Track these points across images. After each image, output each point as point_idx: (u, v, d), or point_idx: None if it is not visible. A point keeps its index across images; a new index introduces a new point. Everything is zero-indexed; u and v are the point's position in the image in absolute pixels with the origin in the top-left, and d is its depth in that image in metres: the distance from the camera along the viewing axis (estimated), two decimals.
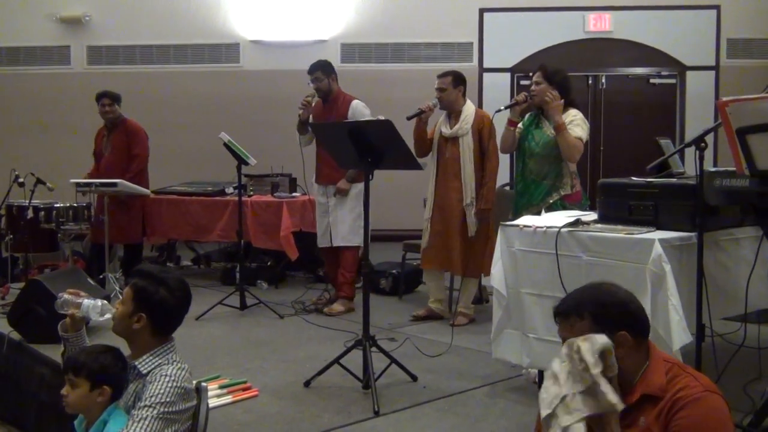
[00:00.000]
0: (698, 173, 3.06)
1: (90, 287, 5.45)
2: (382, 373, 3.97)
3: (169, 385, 2.19)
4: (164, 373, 2.22)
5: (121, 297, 2.41)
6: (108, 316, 2.39)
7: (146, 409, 2.13)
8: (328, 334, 5.12)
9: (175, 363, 2.29)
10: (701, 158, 3.04)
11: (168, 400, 2.16)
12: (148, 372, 2.26)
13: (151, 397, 2.16)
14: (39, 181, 6.55)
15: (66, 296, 2.46)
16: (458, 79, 5.37)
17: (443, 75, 5.40)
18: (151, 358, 2.29)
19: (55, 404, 2.44)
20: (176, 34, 9.38)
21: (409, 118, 5.25)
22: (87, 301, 2.45)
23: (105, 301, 2.47)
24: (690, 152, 3.10)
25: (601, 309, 2.03)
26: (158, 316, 2.32)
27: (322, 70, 5.75)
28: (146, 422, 2.11)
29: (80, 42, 9.49)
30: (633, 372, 2.02)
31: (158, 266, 2.68)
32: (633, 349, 2.02)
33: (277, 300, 6.09)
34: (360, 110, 5.67)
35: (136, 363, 2.29)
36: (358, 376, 3.96)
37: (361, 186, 5.68)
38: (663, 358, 2.07)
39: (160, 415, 2.13)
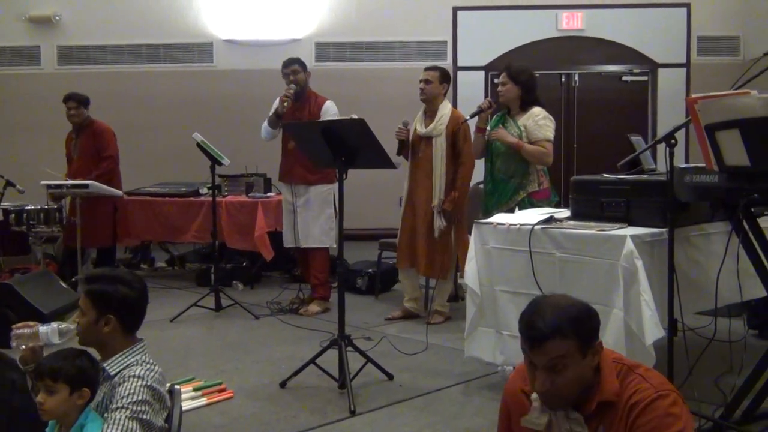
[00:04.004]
0: (668, 170, 3.09)
1: (62, 290, 5.39)
2: (357, 373, 3.96)
3: (139, 384, 2.18)
4: (133, 374, 2.20)
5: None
6: (70, 334, 2.35)
7: (119, 410, 2.12)
8: (303, 334, 5.11)
9: (144, 364, 2.27)
10: (671, 155, 3.08)
11: (139, 399, 2.15)
12: (116, 373, 2.24)
13: (122, 398, 2.15)
14: (9, 184, 6.45)
15: (17, 332, 2.35)
16: (445, 76, 5.41)
17: (431, 68, 5.42)
18: (120, 358, 2.28)
19: (27, 409, 2.40)
20: (148, 33, 9.30)
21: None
22: (43, 328, 2.35)
23: (60, 323, 2.39)
24: (662, 149, 3.12)
25: (579, 324, 1.92)
26: (124, 312, 2.31)
27: (299, 63, 5.76)
28: (121, 424, 2.09)
29: (50, 42, 9.38)
30: (593, 378, 1.96)
31: (106, 267, 2.65)
32: (599, 354, 1.98)
33: (252, 301, 6.06)
34: (333, 112, 5.67)
35: (105, 365, 2.28)
36: (334, 375, 3.95)
37: (330, 187, 5.69)
38: (612, 358, 2.01)
39: (134, 415, 2.12)
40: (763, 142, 2.73)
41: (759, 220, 3.33)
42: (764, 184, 2.82)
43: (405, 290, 5.67)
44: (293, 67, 5.70)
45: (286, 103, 5.59)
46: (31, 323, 2.38)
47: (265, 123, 5.77)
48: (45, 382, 2.19)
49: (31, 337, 2.34)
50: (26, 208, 6.55)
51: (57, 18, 9.30)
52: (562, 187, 6.03)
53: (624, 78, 9.27)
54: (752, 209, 3.23)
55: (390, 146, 5.21)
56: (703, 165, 3.00)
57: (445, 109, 5.36)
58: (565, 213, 3.82)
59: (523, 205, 4.58)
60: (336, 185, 5.63)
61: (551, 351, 1.89)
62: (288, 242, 5.95)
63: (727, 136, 2.82)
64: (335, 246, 5.62)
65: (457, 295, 5.87)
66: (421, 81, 5.36)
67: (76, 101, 6.54)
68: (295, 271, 7.03)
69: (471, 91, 8.82)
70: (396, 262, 5.73)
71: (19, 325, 2.38)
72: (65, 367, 2.19)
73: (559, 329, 1.88)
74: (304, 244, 5.81)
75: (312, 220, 5.76)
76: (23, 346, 2.35)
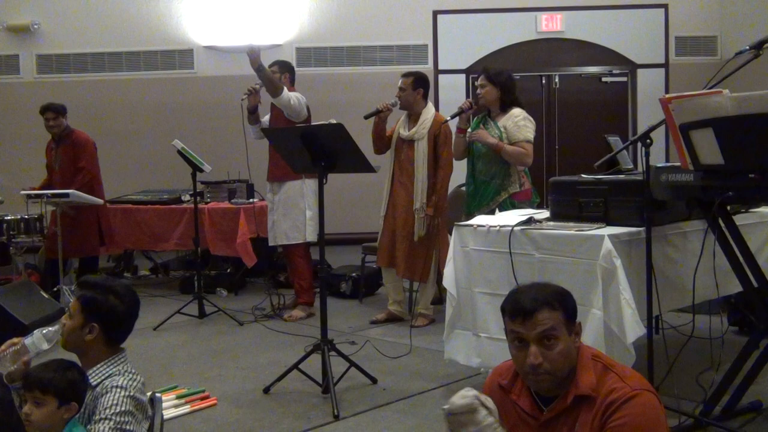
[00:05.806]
0: (645, 169, 3.12)
1: (43, 300, 5.35)
2: (341, 377, 3.97)
3: (122, 394, 2.17)
4: (115, 384, 2.19)
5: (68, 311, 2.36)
6: (57, 336, 2.33)
7: (103, 422, 2.11)
8: (288, 339, 5.10)
9: (126, 374, 2.26)
10: (647, 154, 3.11)
11: (122, 410, 2.14)
12: (98, 383, 2.23)
13: (106, 409, 2.13)
14: None
15: (5, 353, 2.25)
16: (418, 81, 5.40)
17: (406, 75, 5.45)
18: (102, 368, 2.27)
19: (9, 422, 2.38)
20: (128, 40, 9.24)
21: (366, 117, 5.29)
22: (28, 340, 2.27)
23: (43, 328, 2.33)
24: (641, 148, 3.15)
25: (562, 297, 2.03)
26: (110, 324, 2.31)
27: (278, 64, 5.83)
28: None
29: (29, 50, 9.29)
30: (569, 367, 1.98)
31: (103, 276, 2.63)
32: (579, 336, 2.02)
33: (236, 307, 6.05)
34: (292, 94, 5.62)
35: (86, 374, 2.26)
36: (318, 380, 3.96)
37: (301, 182, 5.69)
38: (591, 354, 2.04)
39: (118, 426, 2.11)
40: (736, 141, 2.77)
41: (735, 217, 3.37)
42: (738, 182, 2.86)
43: (389, 293, 5.68)
44: (272, 68, 5.75)
45: (243, 98, 5.66)
46: (15, 340, 2.29)
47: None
48: (33, 394, 2.16)
49: (19, 353, 2.26)
50: (6, 218, 6.50)
51: (36, 26, 9.22)
52: (544, 188, 6.05)
53: (604, 79, 9.34)
54: (727, 207, 3.27)
55: (370, 150, 5.25)
56: (679, 164, 3.03)
57: (429, 113, 5.38)
58: (544, 214, 3.84)
59: (505, 206, 4.60)
60: (309, 181, 5.66)
61: (542, 321, 1.97)
62: (269, 242, 6.02)
63: (701, 136, 2.85)
64: (305, 241, 5.65)
65: (442, 298, 5.87)
66: (398, 89, 5.39)
67: (54, 112, 6.47)
68: (279, 276, 7.01)
69: (452, 94, 8.85)
70: (376, 261, 5.76)
71: (2, 348, 2.28)
72: (56, 379, 2.16)
73: (546, 301, 1.99)
74: (272, 242, 5.90)
75: (282, 217, 5.78)
76: (12, 366, 2.25)
